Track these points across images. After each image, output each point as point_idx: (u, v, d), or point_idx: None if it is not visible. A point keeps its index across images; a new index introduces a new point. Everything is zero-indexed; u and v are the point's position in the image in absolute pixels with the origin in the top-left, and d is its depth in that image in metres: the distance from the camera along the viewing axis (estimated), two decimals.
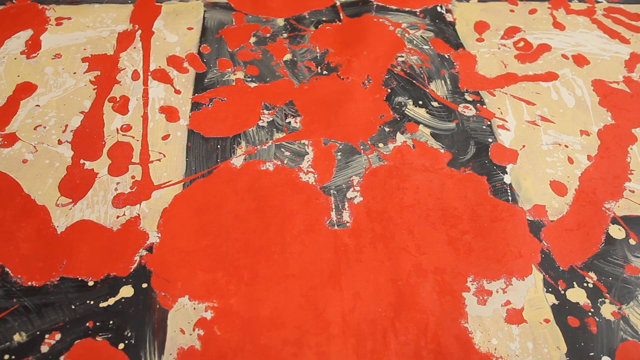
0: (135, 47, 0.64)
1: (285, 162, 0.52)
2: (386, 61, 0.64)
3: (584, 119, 0.58)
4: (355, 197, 0.50)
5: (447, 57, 0.65)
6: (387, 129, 0.56)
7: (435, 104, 0.59)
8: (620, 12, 0.74)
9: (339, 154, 0.53)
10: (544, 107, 0.59)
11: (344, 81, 0.61)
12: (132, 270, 0.43)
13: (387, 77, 0.62)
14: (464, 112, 0.58)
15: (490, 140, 0.55)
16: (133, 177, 0.50)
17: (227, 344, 0.40)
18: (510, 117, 0.58)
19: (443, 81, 0.62)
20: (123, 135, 0.54)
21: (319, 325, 0.41)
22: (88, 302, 0.41)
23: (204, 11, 0.70)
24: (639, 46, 0.68)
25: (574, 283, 0.44)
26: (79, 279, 0.43)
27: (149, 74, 0.61)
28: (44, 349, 0.39)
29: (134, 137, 0.54)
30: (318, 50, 0.65)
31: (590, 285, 0.44)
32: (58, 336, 0.39)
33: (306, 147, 0.54)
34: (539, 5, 0.75)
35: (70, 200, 0.48)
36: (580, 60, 0.66)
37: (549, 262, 0.45)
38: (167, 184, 0.50)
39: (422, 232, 0.47)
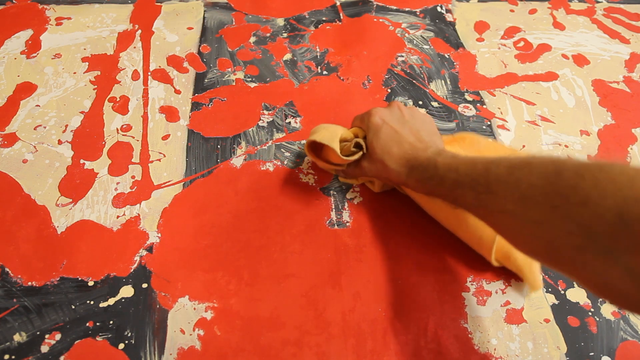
0: (135, 47, 0.64)
1: (285, 162, 0.52)
2: (386, 61, 0.64)
3: (584, 119, 0.58)
4: (355, 197, 0.50)
5: (447, 57, 0.65)
6: None
7: (435, 104, 0.59)
8: (620, 12, 0.74)
9: None
10: (544, 107, 0.59)
11: (344, 82, 0.61)
12: (132, 270, 0.43)
13: (387, 77, 0.62)
14: (464, 112, 0.58)
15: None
16: (133, 177, 0.50)
17: (227, 344, 0.40)
18: (510, 117, 0.58)
19: (443, 81, 0.62)
20: (123, 135, 0.54)
21: (319, 325, 0.41)
22: (88, 302, 0.41)
23: (204, 11, 0.70)
24: (639, 46, 0.68)
25: (574, 283, 0.44)
26: (79, 279, 0.43)
27: (149, 74, 0.61)
28: (44, 349, 0.39)
29: (134, 137, 0.54)
30: (318, 50, 0.65)
31: None
32: (58, 336, 0.39)
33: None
34: (539, 5, 0.75)
35: (70, 200, 0.48)
36: (580, 60, 0.66)
37: None
38: (167, 184, 0.50)
39: (422, 232, 0.47)
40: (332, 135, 0.45)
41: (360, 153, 0.45)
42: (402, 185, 0.44)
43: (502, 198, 0.30)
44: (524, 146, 0.55)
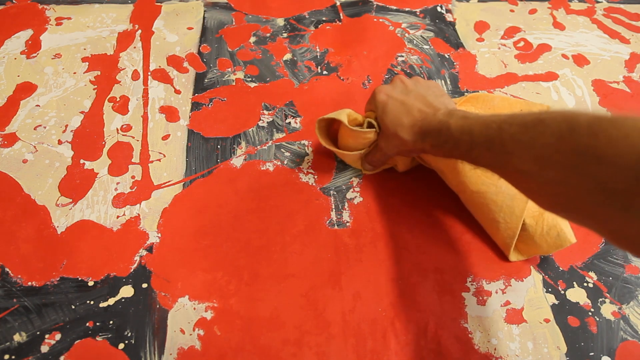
0: (135, 47, 0.64)
1: (285, 162, 0.52)
2: (386, 61, 0.64)
3: None
4: (355, 197, 0.50)
5: (447, 57, 0.65)
6: None
7: None
8: (620, 12, 0.74)
9: None
10: None
11: (344, 82, 0.61)
12: (132, 270, 0.43)
13: (387, 77, 0.62)
14: None
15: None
16: (133, 177, 0.50)
17: (227, 344, 0.40)
18: None
19: (443, 81, 0.62)
20: (123, 135, 0.54)
21: (319, 325, 0.41)
22: (88, 302, 0.41)
23: (204, 11, 0.70)
24: (639, 46, 0.68)
25: (574, 283, 0.44)
26: (79, 279, 0.43)
27: (149, 73, 0.61)
28: (44, 349, 0.39)
29: (134, 137, 0.54)
30: (318, 50, 0.65)
31: (591, 285, 0.44)
32: (58, 336, 0.39)
33: (306, 147, 0.54)
34: (539, 5, 0.75)
35: (70, 200, 0.48)
36: (580, 60, 0.66)
37: (548, 262, 0.45)
38: (167, 184, 0.50)
39: (422, 232, 0.47)
40: (338, 112, 0.45)
41: (374, 131, 0.45)
42: (422, 152, 0.42)
43: (518, 158, 0.29)
44: None
